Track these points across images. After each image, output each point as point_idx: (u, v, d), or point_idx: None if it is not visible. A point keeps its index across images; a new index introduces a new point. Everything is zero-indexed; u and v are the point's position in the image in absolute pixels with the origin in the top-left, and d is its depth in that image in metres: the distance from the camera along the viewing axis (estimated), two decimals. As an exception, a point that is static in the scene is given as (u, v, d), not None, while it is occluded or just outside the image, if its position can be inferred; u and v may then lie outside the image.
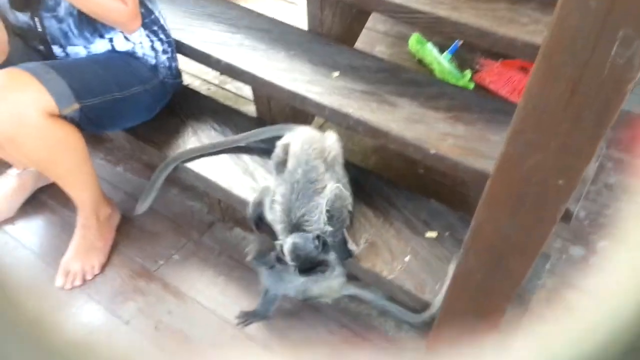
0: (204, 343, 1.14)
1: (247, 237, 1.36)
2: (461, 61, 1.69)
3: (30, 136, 1.06)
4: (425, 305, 1.02)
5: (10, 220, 1.40)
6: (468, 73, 1.65)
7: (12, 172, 1.45)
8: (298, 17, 1.53)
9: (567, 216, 0.95)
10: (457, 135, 1.09)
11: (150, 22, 1.24)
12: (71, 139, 1.13)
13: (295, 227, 1.02)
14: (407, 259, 1.07)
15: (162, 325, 1.17)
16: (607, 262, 1.30)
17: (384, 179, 1.25)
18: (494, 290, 0.79)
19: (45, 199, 1.45)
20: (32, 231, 1.38)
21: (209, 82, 1.82)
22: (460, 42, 1.72)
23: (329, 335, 1.16)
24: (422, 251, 1.09)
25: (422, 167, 1.49)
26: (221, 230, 1.39)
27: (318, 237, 0.98)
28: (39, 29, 1.19)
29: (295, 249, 0.98)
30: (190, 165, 1.27)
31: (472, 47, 1.69)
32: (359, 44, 1.59)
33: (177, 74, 1.38)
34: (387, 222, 1.14)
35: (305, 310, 1.20)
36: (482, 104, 1.18)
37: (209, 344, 1.14)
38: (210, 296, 1.23)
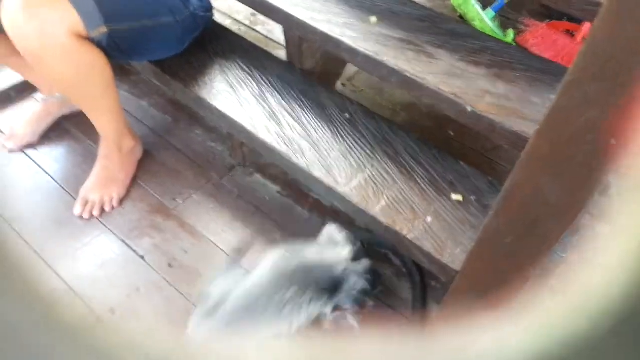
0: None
1: (267, 183, 1.34)
2: (505, 20, 1.60)
3: (56, 55, 1.03)
4: (444, 270, 0.99)
5: (33, 145, 1.40)
6: (511, 33, 1.56)
7: (37, 97, 1.44)
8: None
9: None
10: (496, 93, 1.02)
11: (183, -51, 1.18)
12: (98, 63, 1.10)
13: None
14: (429, 219, 1.04)
15: (176, 262, 1.17)
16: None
17: (412, 135, 1.20)
18: (522, 256, 0.76)
19: (69, 127, 1.44)
20: (53, 158, 1.38)
21: (240, 22, 1.76)
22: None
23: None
24: (445, 213, 1.05)
25: (453, 130, 1.43)
26: (241, 174, 1.36)
27: None
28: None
29: None
30: (216, 103, 1.23)
31: (518, 6, 1.59)
32: (400, -7, 1.50)
33: (209, 6, 1.32)
34: (412, 180, 1.10)
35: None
36: (528, 62, 1.10)
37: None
38: (227, 239, 1.22)
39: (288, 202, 1.31)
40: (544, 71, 1.07)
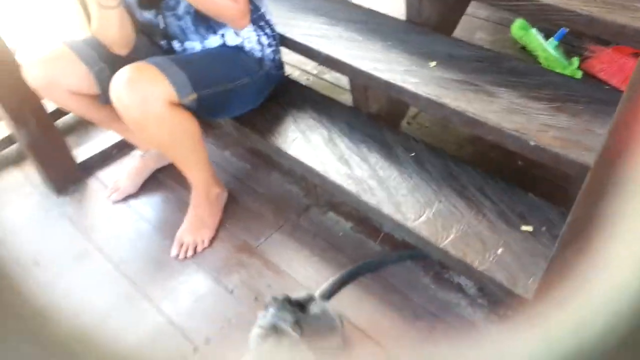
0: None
1: (340, 220, 1.43)
2: (568, 48, 1.61)
3: (154, 121, 1.20)
4: (517, 300, 1.01)
5: (134, 195, 1.59)
6: (576, 61, 1.57)
7: (136, 154, 1.64)
8: (395, 7, 1.54)
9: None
10: (559, 126, 1.05)
11: (257, 18, 1.33)
12: (188, 125, 1.26)
13: None
14: (499, 251, 1.07)
15: (261, 297, 1.28)
16: None
17: (478, 169, 1.24)
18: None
19: (163, 178, 1.63)
20: (151, 207, 1.56)
21: (308, 73, 1.90)
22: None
23: (416, 321, 1.19)
24: (515, 245, 1.08)
25: (521, 160, 1.45)
26: (317, 213, 1.46)
27: None
28: (162, 26, 1.33)
29: None
30: (290, 150, 1.35)
31: (580, 33, 1.60)
32: (459, 31, 1.57)
33: (280, 65, 1.47)
34: (480, 214, 1.14)
35: (393, 294, 1.24)
36: (590, 94, 1.12)
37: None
38: (306, 274, 1.31)
39: (361, 238, 1.38)
40: (607, 102, 1.09)
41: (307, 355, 1.05)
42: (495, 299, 1.19)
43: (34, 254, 1.46)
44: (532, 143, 1.04)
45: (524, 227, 1.09)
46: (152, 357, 1.11)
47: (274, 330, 1.03)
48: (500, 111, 1.11)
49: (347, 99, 1.60)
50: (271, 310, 1.06)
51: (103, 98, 1.34)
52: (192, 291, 1.31)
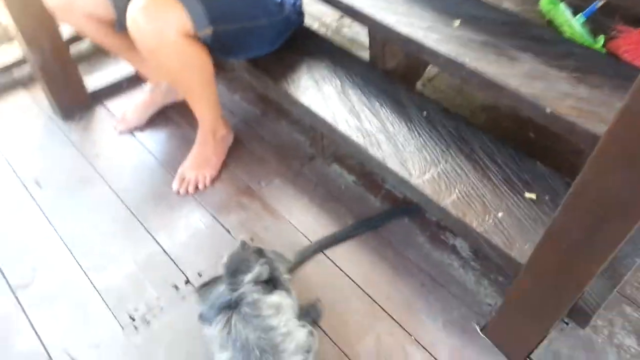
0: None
1: (343, 173, 1.43)
2: (595, 25, 1.56)
3: (168, 50, 1.18)
4: (512, 264, 1.02)
5: (140, 128, 1.58)
6: (601, 39, 1.52)
7: (146, 88, 1.63)
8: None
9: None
10: (578, 97, 1.03)
11: (281, -42, 1.29)
12: (201, 59, 1.24)
13: None
14: (500, 215, 1.06)
15: (257, 238, 1.28)
16: None
17: (489, 135, 1.23)
18: (587, 252, 0.78)
19: (171, 114, 1.62)
20: (156, 140, 1.56)
21: (327, 25, 1.87)
22: (600, 3, 1.58)
23: (407, 277, 1.20)
24: (517, 210, 1.07)
25: (533, 131, 1.43)
26: (320, 164, 1.46)
27: None
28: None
29: None
30: (301, 98, 1.33)
31: (610, 12, 1.55)
32: (486, -2, 1.53)
33: (301, 11, 1.43)
34: (486, 177, 1.13)
35: (388, 250, 1.25)
36: (614, 69, 1.10)
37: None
38: (304, 221, 1.32)
39: (362, 191, 1.38)
40: (629, 78, 1.06)
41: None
42: (488, 264, 1.20)
43: (36, 175, 1.46)
44: (548, 110, 1.02)
45: (528, 194, 1.09)
46: (145, 281, 1.13)
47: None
48: (520, 76, 1.09)
49: (364, 55, 1.58)
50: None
51: (119, 24, 1.32)
52: (189, 226, 1.32)
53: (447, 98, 1.57)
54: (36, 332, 1.13)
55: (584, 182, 0.75)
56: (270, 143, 1.52)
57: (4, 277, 1.23)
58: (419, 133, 1.23)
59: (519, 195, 1.09)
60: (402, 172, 1.15)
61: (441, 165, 1.16)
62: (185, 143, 1.49)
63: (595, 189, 0.73)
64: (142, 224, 1.33)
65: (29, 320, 1.15)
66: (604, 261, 0.78)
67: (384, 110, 1.29)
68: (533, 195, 1.09)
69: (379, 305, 1.15)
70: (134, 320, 1.14)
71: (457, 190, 1.11)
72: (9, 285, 1.21)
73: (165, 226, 1.32)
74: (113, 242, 1.29)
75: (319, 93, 1.35)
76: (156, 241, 1.29)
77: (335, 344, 1.09)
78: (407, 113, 1.28)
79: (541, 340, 1.07)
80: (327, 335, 1.10)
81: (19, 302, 1.18)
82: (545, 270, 0.89)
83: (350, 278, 1.20)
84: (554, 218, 0.81)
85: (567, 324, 1.11)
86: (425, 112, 1.28)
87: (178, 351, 1.09)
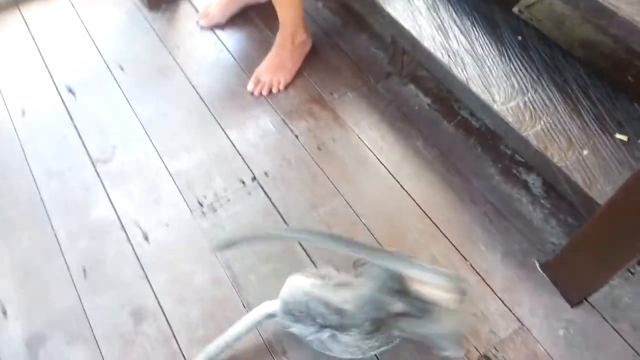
0: (356, 175, 1.24)
1: (419, 94, 1.38)
2: None
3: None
4: (588, 203, 0.97)
5: (221, 26, 1.58)
6: None
7: (230, -16, 1.60)
8: None
9: None
10: (702, 32, 0.92)
11: None
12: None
13: None
14: (585, 152, 1.01)
15: (324, 147, 1.29)
16: None
17: (587, 68, 1.13)
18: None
19: (253, 16, 1.60)
20: (236, 39, 1.55)
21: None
22: None
23: (471, 205, 1.18)
24: (604, 150, 1.01)
25: (633, 75, 1.31)
26: (396, 82, 1.42)
27: None
28: None
29: None
30: (389, 9, 1.27)
31: None
32: None
33: None
34: (576, 112, 1.06)
35: (455, 176, 1.22)
36: None
37: (361, 177, 1.24)
38: (372, 137, 1.30)
39: (436, 116, 1.34)
40: None
41: None
42: (560, 204, 1.15)
43: (119, 58, 1.51)
44: (663, 44, 0.92)
45: (619, 135, 1.02)
46: (214, 172, 1.17)
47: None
48: (636, 3, 0.98)
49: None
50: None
51: None
52: (259, 127, 1.34)
53: (544, 29, 1.45)
54: (112, 203, 1.21)
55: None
56: (347, 55, 1.49)
57: (87, 150, 1.31)
58: (509, 58, 1.15)
59: (608, 135, 1.02)
60: (484, 97, 1.10)
61: (529, 94, 1.09)
62: (263, 46, 1.48)
63: None
64: (215, 118, 1.36)
65: (106, 192, 1.23)
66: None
67: (475, 30, 1.21)
68: (624, 137, 1.01)
69: (438, 228, 1.14)
70: (202, 205, 1.20)
71: (542, 122, 1.05)
72: (90, 159, 1.30)
73: (237, 124, 1.35)
74: (187, 131, 1.34)
75: (407, 4, 1.28)
76: (227, 136, 1.32)
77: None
78: (500, 35, 1.20)
79: (602, 286, 1.04)
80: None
81: (99, 175, 1.27)
82: (626, 212, 0.84)
83: (412, 198, 1.19)
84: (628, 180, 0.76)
85: (632, 273, 1.07)
86: (520, 37, 1.19)
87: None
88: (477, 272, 1.08)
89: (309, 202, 1.20)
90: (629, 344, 0.99)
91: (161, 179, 1.25)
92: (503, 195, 1.19)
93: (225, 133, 1.33)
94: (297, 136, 1.32)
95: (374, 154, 1.27)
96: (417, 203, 1.19)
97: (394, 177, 1.23)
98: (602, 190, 0.96)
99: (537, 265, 1.08)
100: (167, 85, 1.44)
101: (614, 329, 1.00)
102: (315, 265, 1.09)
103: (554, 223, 1.14)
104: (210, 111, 1.38)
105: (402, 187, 1.22)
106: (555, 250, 1.10)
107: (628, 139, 1.01)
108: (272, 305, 0.95)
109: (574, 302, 1.04)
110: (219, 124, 1.35)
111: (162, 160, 1.29)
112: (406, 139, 1.30)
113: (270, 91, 1.41)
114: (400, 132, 1.31)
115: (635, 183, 0.80)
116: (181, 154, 1.29)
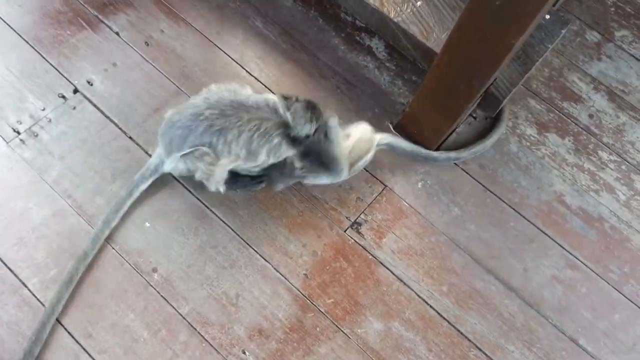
0: (197, 67, 1.12)
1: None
2: None
3: None
4: (428, 55, 0.98)
5: None
6: None
7: None
8: None
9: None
10: None
11: None
12: None
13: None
14: (419, 3, 1.00)
15: (153, 41, 1.13)
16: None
17: None
18: (505, 22, 0.74)
19: None
20: None
21: None
22: None
23: (322, 80, 1.14)
24: (435, -1, 1.01)
25: None
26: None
27: None
28: None
29: None
30: None
31: None
32: None
33: None
34: (406, -37, 1.03)
35: (301, 53, 1.16)
36: None
37: (209, 70, 1.12)
38: (207, 22, 1.17)
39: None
40: None
41: None
42: (403, 63, 1.16)
43: None
44: None
45: (448, -18, 1.01)
46: (25, 90, 0.94)
47: None
48: None
49: None
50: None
51: None
52: (69, 30, 1.13)
53: None
54: None
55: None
56: None
57: None
58: None
59: (438, -17, 1.02)
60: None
61: (359, -52, 1.03)
62: None
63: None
64: (14, 30, 1.11)
65: None
66: (521, 34, 0.76)
67: None
68: (453, -17, 1.01)
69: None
70: (18, 133, 1.01)
71: (375, -23, 1.01)
72: None
73: (40, 30, 1.12)
74: None
75: None
76: (32, 47, 1.09)
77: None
78: None
79: (450, 134, 1.10)
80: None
81: None
82: (461, 51, 0.85)
83: (260, 82, 1.12)
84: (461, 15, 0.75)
85: (475, 118, 1.14)
86: None
87: (74, 162, 1.00)
88: (336, 144, 1.07)
89: (148, 106, 1.07)
90: (477, 182, 1.07)
91: (-45, 111, 1.02)
92: (350, 64, 1.16)
93: (29, 44, 1.10)
94: (117, 33, 1.14)
95: (213, 43, 1.15)
96: (266, 86, 1.12)
97: (238, 64, 1.14)
98: (438, 39, 0.97)
99: (391, 127, 1.10)
100: None
101: (464, 171, 1.08)
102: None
103: (400, 84, 1.15)
104: (4, 21, 1.12)
105: (249, 73, 1.13)
106: (405, 109, 1.12)
107: (455, -16, 1.01)
108: (152, 159, 0.95)
109: (428, 154, 1.09)
110: (20, 36, 1.11)
111: (-49, 88, 1.04)
112: (244, 19, 1.19)
113: (73, -15, 1.17)
114: (237, 12, 1.19)
115: (466, 21, 0.81)
116: (-26, 77, 1.05)
